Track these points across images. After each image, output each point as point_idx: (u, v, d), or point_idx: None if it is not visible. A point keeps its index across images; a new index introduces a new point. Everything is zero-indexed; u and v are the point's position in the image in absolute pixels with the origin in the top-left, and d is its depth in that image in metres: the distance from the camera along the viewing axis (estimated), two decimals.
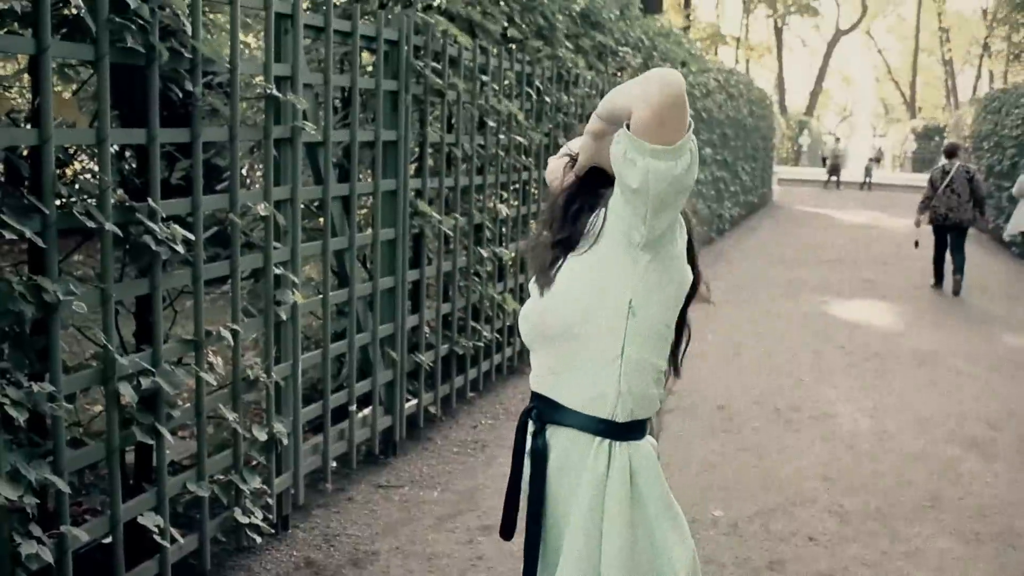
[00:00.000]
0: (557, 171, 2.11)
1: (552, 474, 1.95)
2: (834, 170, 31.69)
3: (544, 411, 1.96)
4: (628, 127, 1.70)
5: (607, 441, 1.90)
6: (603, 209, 1.88)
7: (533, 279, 2.01)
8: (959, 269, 11.08)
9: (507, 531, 2.07)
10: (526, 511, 2.01)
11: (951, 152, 11.41)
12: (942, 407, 6.46)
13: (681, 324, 2.04)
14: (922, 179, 13.28)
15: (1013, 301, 11.08)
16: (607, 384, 1.89)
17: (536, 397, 1.99)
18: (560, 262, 1.92)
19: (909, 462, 5.34)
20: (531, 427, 2.00)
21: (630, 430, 1.92)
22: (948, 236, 11.20)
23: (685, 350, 2.08)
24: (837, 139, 36.85)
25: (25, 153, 3.04)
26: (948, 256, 11.30)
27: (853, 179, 32.54)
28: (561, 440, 1.94)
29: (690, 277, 1.93)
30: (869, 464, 5.29)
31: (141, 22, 2.99)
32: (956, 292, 11.10)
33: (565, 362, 1.92)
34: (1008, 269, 13.94)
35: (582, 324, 1.88)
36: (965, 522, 4.53)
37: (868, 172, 32.02)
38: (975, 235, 13.98)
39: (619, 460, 1.90)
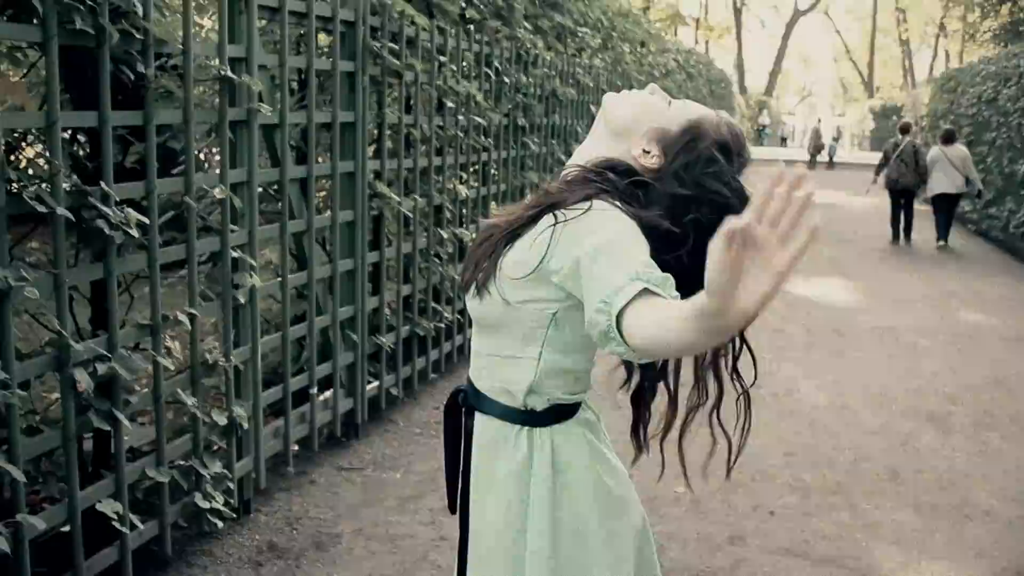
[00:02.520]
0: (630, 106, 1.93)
1: (476, 462, 1.91)
2: (818, 150, 33.05)
3: (471, 396, 1.92)
4: (620, 323, 1.48)
5: (526, 429, 1.84)
6: (560, 226, 1.71)
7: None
8: (910, 224, 13.85)
9: (453, 506, 2.05)
10: (460, 489, 1.97)
11: (904, 129, 14.11)
12: (901, 382, 6.54)
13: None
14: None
15: (968, 277, 11.23)
16: (520, 381, 1.81)
17: (468, 380, 1.94)
18: (493, 258, 1.81)
19: (869, 437, 5.41)
20: (464, 410, 1.96)
21: (555, 415, 1.85)
22: (900, 199, 13.78)
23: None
24: (819, 120, 38.29)
25: None
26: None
27: (821, 158, 33.39)
28: (483, 427, 1.90)
29: None
30: (829, 439, 5.34)
31: (90, 3, 2.94)
32: (908, 239, 13.89)
33: (488, 346, 1.86)
34: (964, 245, 14.11)
35: (501, 323, 1.80)
36: (923, 495, 4.60)
37: (832, 151, 32.92)
38: (930, 213, 14.45)
39: (542, 448, 1.83)
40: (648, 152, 1.87)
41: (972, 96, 16.35)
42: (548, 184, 1.91)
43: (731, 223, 1.11)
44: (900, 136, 13.89)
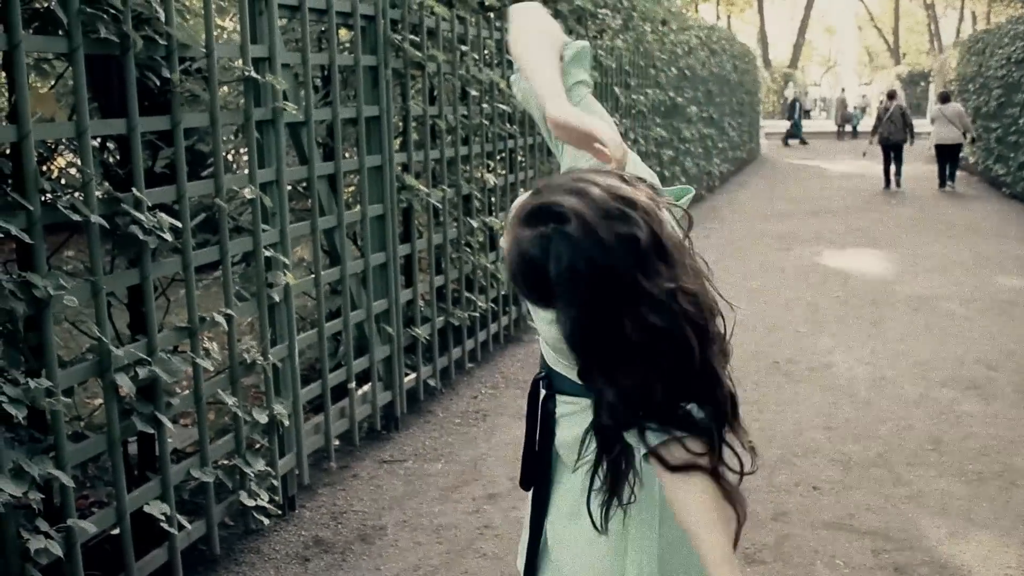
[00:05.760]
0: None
1: (559, 443, 1.94)
2: (846, 121, 33.47)
3: (552, 377, 1.95)
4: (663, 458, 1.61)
5: None
6: None
7: None
8: (899, 171, 16.77)
9: (525, 483, 2.07)
10: (537, 469, 2.00)
11: (891, 96, 17.26)
12: (939, 351, 6.48)
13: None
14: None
15: (1005, 242, 11.10)
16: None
17: (545, 363, 1.97)
18: None
19: (909, 407, 5.37)
20: (543, 393, 1.98)
21: None
22: (890, 152, 16.66)
23: None
24: (843, 89, 38.52)
25: (7, 151, 3.03)
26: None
27: (850, 129, 33.26)
28: (564, 407, 1.93)
29: None
30: (869, 411, 5.31)
31: (113, 11, 2.97)
32: (898, 185, 16.71)
33: (549, 338, 1.88)
34: (999, 210, 13.95)
35: (550, 332, 1.81)
36: (966, 463, 4.56)
37: (856, 121, 33.07)
38: (965, 178, 14.72)
39: None
40: None
41: (1001, 57, 16.13)
42: None
43: None
44: (888, 101, 17.01)
